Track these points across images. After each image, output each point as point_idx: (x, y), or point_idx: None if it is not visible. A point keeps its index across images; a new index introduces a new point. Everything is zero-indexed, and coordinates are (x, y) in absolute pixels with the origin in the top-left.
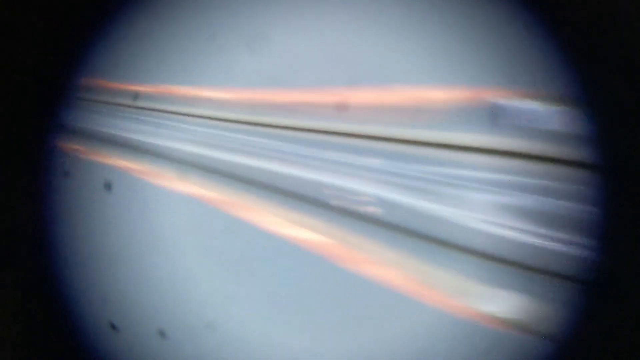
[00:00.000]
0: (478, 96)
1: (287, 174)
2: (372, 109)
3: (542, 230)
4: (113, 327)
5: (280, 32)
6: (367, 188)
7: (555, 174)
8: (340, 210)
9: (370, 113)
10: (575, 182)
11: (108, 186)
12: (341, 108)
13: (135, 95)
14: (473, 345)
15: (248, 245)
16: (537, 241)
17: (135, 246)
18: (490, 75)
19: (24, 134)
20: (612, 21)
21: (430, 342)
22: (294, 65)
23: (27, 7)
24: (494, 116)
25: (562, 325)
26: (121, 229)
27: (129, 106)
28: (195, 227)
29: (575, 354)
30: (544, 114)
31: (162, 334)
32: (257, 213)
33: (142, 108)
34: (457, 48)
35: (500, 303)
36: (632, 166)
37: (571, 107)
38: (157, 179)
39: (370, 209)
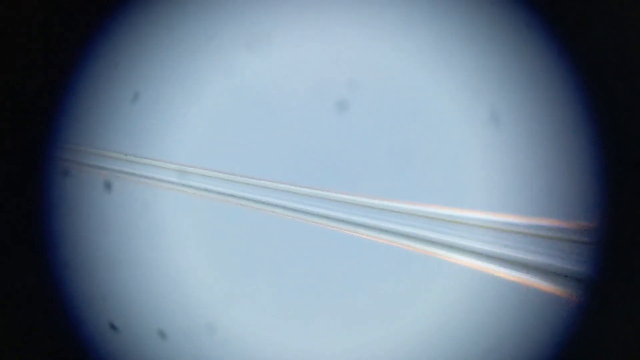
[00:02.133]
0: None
1: None
2: None
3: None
4: (113, 327)
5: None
6: None
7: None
8: None
9: None
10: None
11: (108, 186)
12: None
13: None
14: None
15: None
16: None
17: (135, 246)
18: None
19: (24, 136)
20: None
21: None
22: None
23: None
24: None
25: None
26: (121, 230)
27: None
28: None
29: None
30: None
31: (162, 334)
32: None
33: None
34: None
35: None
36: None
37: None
38: None
39: None
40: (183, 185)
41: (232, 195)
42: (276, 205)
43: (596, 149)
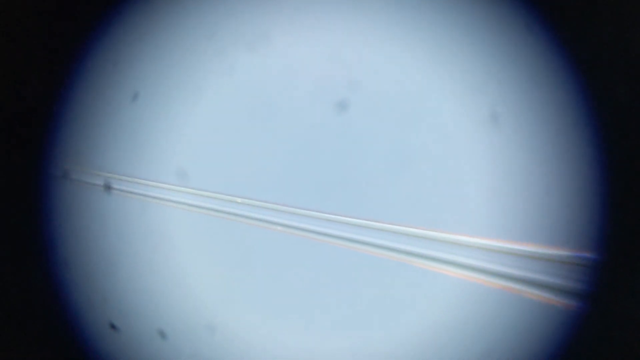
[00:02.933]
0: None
1: None
2: None
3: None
4: (113, 327)
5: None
6: None
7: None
8: None
9: None
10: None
11: (108, 188)
12: None
13: None
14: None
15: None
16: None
17: (135, 247)
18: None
19: (23, 134)
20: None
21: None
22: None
23: None
24: None
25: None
26: (121, 231)
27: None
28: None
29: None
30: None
31: (162, 334)
32: None
33: None
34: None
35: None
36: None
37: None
38: None
39: None
40: (182, 203)
41: (228, 213)
42: (282, 224)
43: (597, 152)
